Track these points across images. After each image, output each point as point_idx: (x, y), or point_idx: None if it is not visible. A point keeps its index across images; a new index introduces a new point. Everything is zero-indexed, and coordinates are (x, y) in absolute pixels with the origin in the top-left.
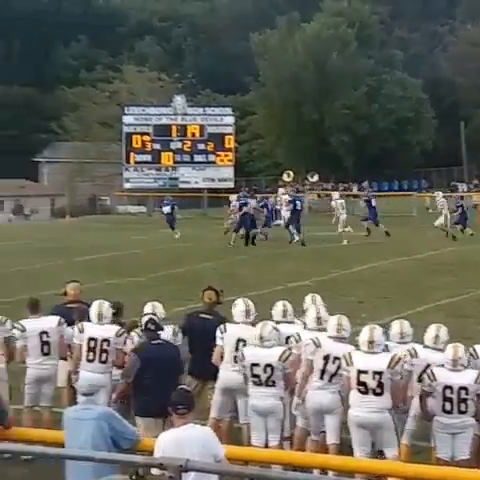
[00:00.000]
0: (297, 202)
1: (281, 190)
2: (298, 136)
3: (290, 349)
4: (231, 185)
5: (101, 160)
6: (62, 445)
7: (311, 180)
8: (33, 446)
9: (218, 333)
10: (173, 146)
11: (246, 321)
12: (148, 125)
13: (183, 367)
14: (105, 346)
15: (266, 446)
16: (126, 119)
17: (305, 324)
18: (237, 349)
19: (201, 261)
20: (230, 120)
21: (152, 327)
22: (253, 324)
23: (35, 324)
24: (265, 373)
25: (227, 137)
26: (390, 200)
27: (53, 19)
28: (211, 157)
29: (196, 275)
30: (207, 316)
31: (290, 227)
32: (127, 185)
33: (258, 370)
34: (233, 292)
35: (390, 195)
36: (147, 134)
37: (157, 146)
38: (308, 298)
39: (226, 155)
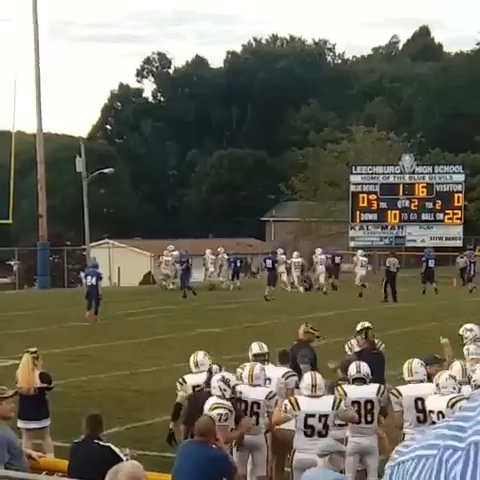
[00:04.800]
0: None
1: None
2: None
3: None
4: (460, 244)
5: (327, 219)
6: None
7: None
8: None
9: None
10: (400, 205)
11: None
12: (375, 184)
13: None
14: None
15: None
16: (353, 178)
17: None
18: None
19: (425, 321)
20: (460, 178)
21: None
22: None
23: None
24: None
25: (456, 195)
26: None
27: (285, 84)
28: (439, 216)
29: (420, 335)
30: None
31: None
32: (352, 243)
33: None
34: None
35: None
36: (374, 193)
37: (383, 205)
38: None
39: (455, 213)
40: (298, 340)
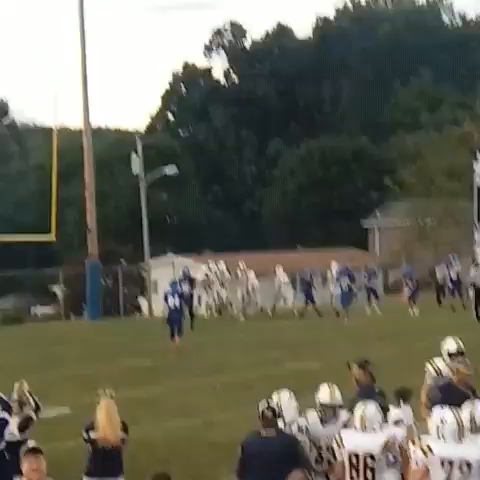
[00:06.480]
0: None
1: None
2: None
3: None
4: None
5: (446, 221)
6: None
7: None
8: None
9: None
10: None
11: None
12: None
13: (302, 461)
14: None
15: None
16: (479, 168)
17: None
18: None
19: None
20: None
21: (269, 415)
22: None
23: None
24: None
25: None
26: None
27: (389, 52)
28: None
29: None
30: None
31: None
32: (479, 250)
33: None
34: None
35: None
36: None
37: None
38: None
39: None
40: (448, 381)
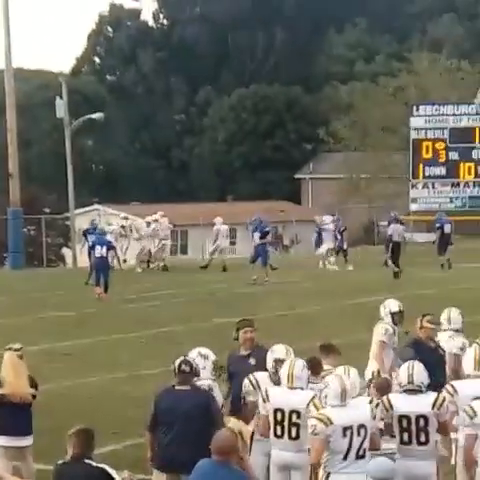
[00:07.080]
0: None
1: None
2: None
3: None
4: None
5: (381, 175)
6: None
7: None
8: None
9: None
10: (476, 155)
11: None
12: (443, 128)
13: (217, 418)
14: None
15: None
16: (414, 121)
17: None
18: None
19: None
20: None
21: (186, 369)
22: None
23: None
24: None
25: None
26: None
27: (325, 0)
28: None
29: None
30: None
31: None
32: (414, 206)
33: None
34: None
35: None
36: (441, 140)
37: (454, 156)
38: None
39: None
40: (415, 339)
